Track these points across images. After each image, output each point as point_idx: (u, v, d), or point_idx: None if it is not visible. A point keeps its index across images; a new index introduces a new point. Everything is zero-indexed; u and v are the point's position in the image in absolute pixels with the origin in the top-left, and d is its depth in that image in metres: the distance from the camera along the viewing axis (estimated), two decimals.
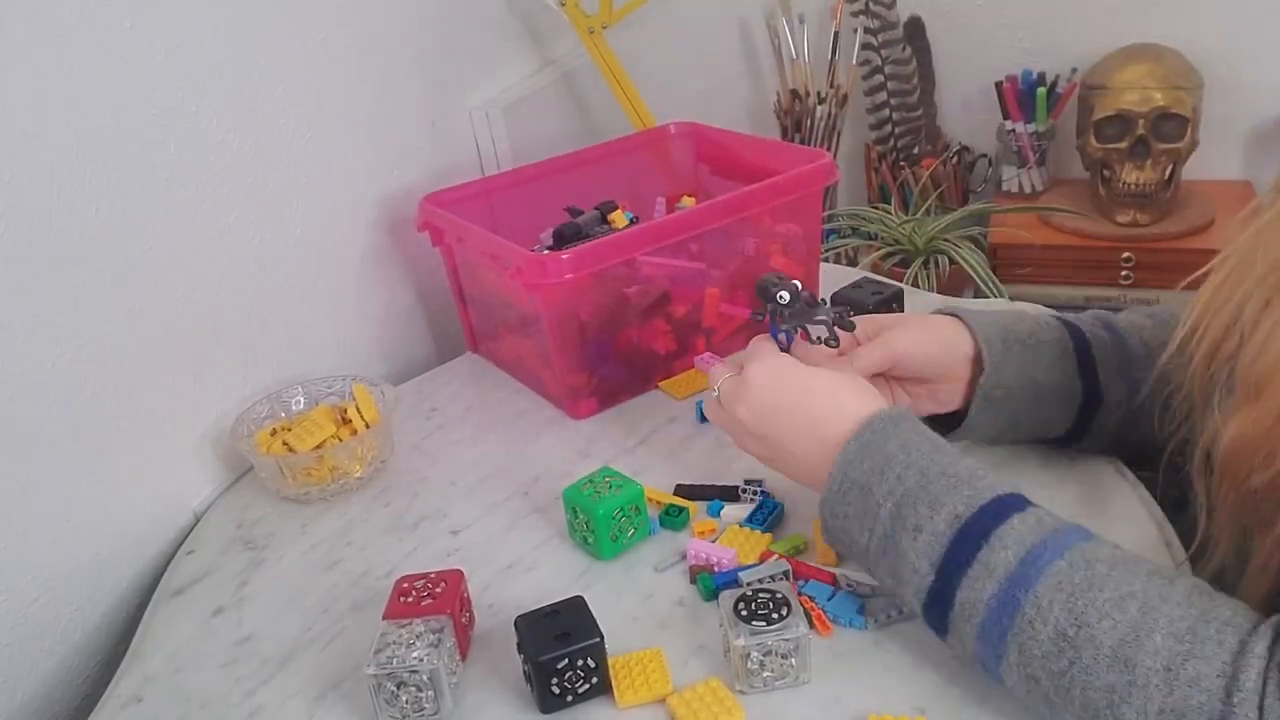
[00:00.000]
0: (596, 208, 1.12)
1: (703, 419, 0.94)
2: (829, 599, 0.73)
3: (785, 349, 0.78)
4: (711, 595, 0.74)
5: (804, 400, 0.71)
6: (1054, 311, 0.87)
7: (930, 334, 0.79)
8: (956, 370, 0.79)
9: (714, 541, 0.80)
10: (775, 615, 0.66)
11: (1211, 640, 0.55)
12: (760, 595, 0.68)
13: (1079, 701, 0.57)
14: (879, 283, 0.99)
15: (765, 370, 0.73)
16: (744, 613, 0.67)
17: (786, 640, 0.65)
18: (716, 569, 0.77)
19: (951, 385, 0.80)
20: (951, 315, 0.81)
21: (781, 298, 0.76)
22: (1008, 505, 0.63)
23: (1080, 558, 0.59)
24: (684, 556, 0.79)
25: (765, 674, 0.66)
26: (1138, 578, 0.58)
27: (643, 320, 1.02)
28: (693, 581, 0.77)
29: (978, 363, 0.78)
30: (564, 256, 0.93)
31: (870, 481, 0.66)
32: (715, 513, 0.84)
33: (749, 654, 0.65)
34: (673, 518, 0.83)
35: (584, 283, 0.96)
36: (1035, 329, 0.81)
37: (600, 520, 0.79)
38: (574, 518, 0.81)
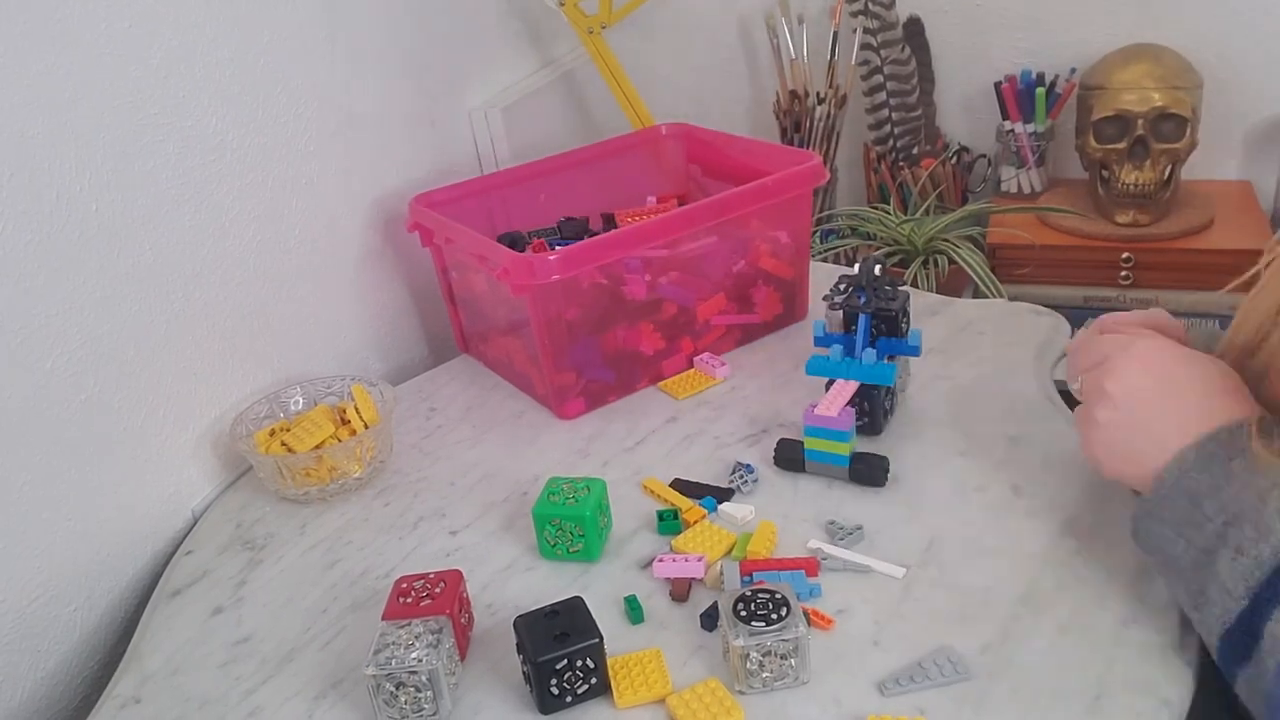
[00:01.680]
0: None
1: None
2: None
3: (867, 325, 0.87)
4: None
5: (1174, 390, 0.68)
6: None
7: None
8: None
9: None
10: (774, 616, 0.66)
11: None
12: (759, 595, 0.68)
13: None
14: (888, 283, 0.95)
15: (1148, 350, 0.70)
16: (743, 613, 0.66)
17: (785, 640, 0.65)
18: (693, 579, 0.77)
19: None
20: None
21: (878, 269, 0.87)
22: None
23: None
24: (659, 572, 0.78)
25: (764, 674, 0.66)
26: None
27: (630, 321, 1.02)
28: (675, 598, 0.76)
29: None
30: (550, 257, 0.93)
31: (1202, 493, 0.63)
32: (710, 506, 0.84)
33: (748, 654, 0.65)
34: (667, 522, 0.83)
35: (571, 284, 0.96)
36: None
37: (589, 521, 0.78)
38: (554, 532, 0.80)
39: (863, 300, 0.88)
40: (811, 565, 0.76)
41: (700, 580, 0.77)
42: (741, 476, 0.86)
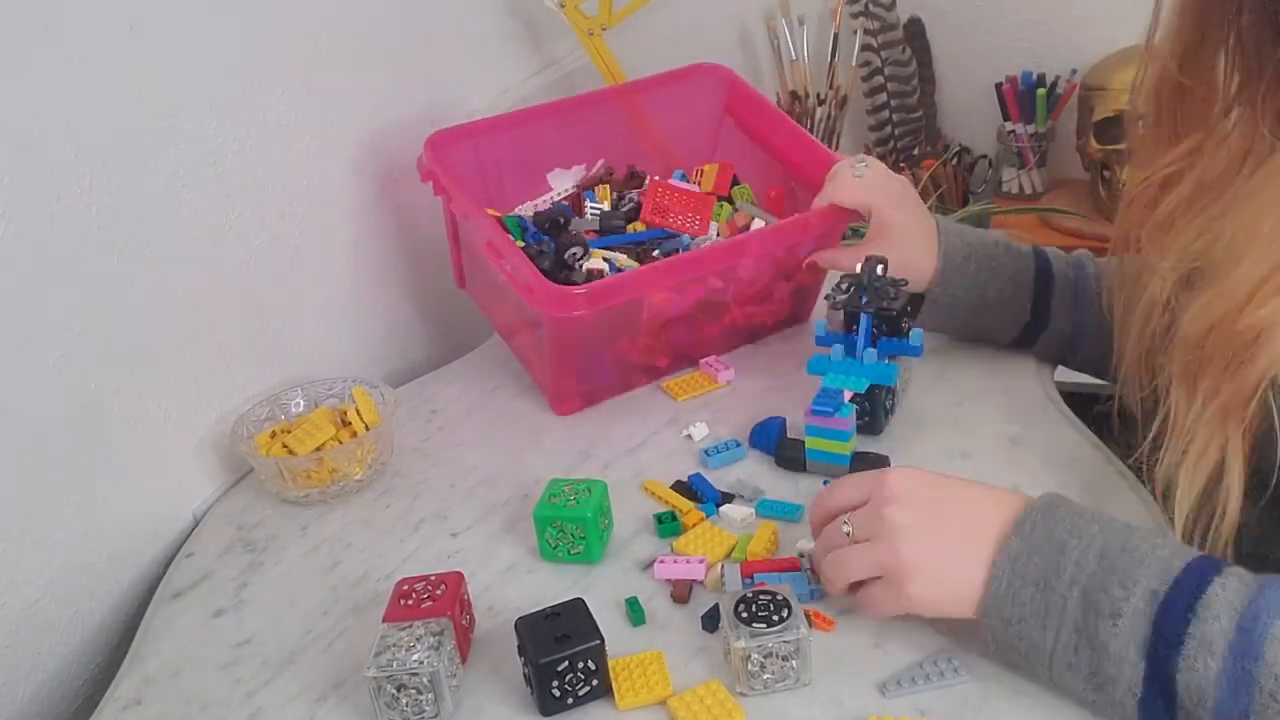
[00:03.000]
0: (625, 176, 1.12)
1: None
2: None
3: (868, 324, 0.89)
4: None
5: (958, 498, 0.66)
6: (1040, 247, 0.99)
7: (906, 253, 0.93)
8: (923, 278, 0.94)
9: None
10: (776, 617, 0.66)
11: None
12: (761, 597, 0.67)
13: None
14: (891, 283, 0.93)
15: (907, 470, 0.68)
16: (744, 615, 0.66)
17: (787, 642, 0.65)
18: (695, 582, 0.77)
19: (919, 284, 0.94)
20: (935, 226, 0.95)
21: (880, 270, 0.89)
22: (1203, 570, 0.58)
23: None
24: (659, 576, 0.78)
25: (766, 676, 0.66)
26: None
27: (645, 332, 1.01)
28: (676, 599, 0.76)
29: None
30: (578, 292, 0.88)
31: (1047, 575, 0.60)
32: (711, 513, 0.84)
33: (749, 656, 0.65)
34: (666, 525, 0.82)
35: (596, 316, 0.91)
36: (1002, 254, 0.96)
37: (591, 522, 0.78)
38: (556, 534, 0.80)
39: (864, 300, 0.88)
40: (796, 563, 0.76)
41: (701, 582, 0.77)
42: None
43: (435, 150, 1.04)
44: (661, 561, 0.78)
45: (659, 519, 0.83)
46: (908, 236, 0.94)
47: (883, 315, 0.89)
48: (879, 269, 0.89)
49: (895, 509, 0.65)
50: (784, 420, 0.92)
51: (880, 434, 0.91)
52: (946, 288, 0.94)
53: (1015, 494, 0.66)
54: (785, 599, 0.67)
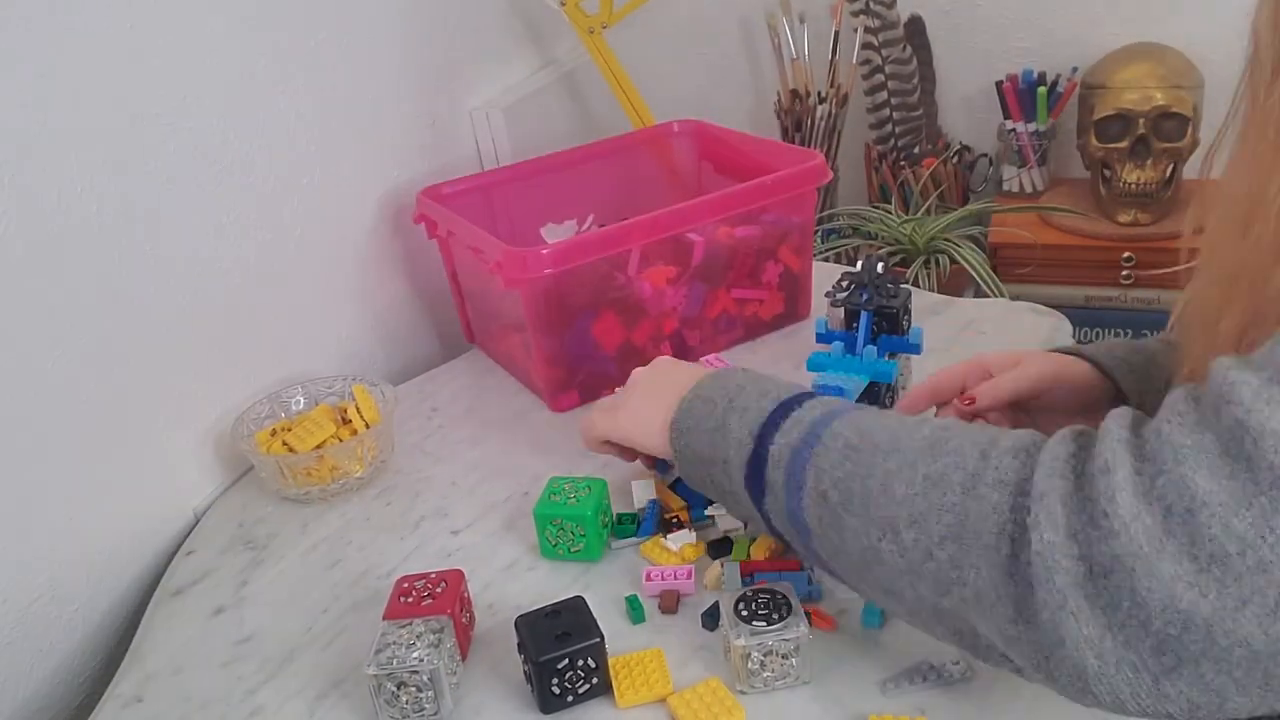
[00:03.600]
0: None
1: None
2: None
3: (868, 323, 0.89)
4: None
5: (670, 366, 0.80)
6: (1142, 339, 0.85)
7: (1059, 368, 0.78)
8: (1092, 398, 0.78)
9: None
10: (775, 615, 0.66)
11: (975, 429, 0.58)
12: (760, 595, 0.68)
13: (859, 497, 0.59)
14: (889, 281, 0.93)
15: (669, 357, 0.82)
16: (744, 613, 0.66)
17: (787, 640, 0.65)
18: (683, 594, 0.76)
19: (1089, 407, 0.78)
20: (1071, 354, 0.81)
21: (880, 268, 0.88)
22: (825, 395, 0.69)
23: (874, 410, 0.66)
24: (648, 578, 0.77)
25: (766, 674, 0.66)
26: (921, 417, 0.63)
27: (630, 316, 1.02)
28: (664, 610, 0.75)
29: (1111, 384, 0.78)
30: (544, 251, 0.93)
31: (713, 394, 0.71)
32: (700, 516, 0.83)
33: (749, 654, 0.65)
34: (624, 525, 0.82)
35: (566, 277, 0.96)
36: (1151, 354, 0.80)
37: (591, 520, 0.78)
38: (556, 531, 0.80)
39: (865, 298, 0.88)
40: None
41: (688, 595, 0.76)
42: None
43: (429, 203, 1.08)
44: (650, 578, 0.77)
45: (618, 518, 0.83)
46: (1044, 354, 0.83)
47: (883, 313, 0.89)
48: (879, 266, 0.89)
49: (638, 372, 0.80)
50: None
51: None
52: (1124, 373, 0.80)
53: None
54: (785, 597, 0.67)
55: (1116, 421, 0.53)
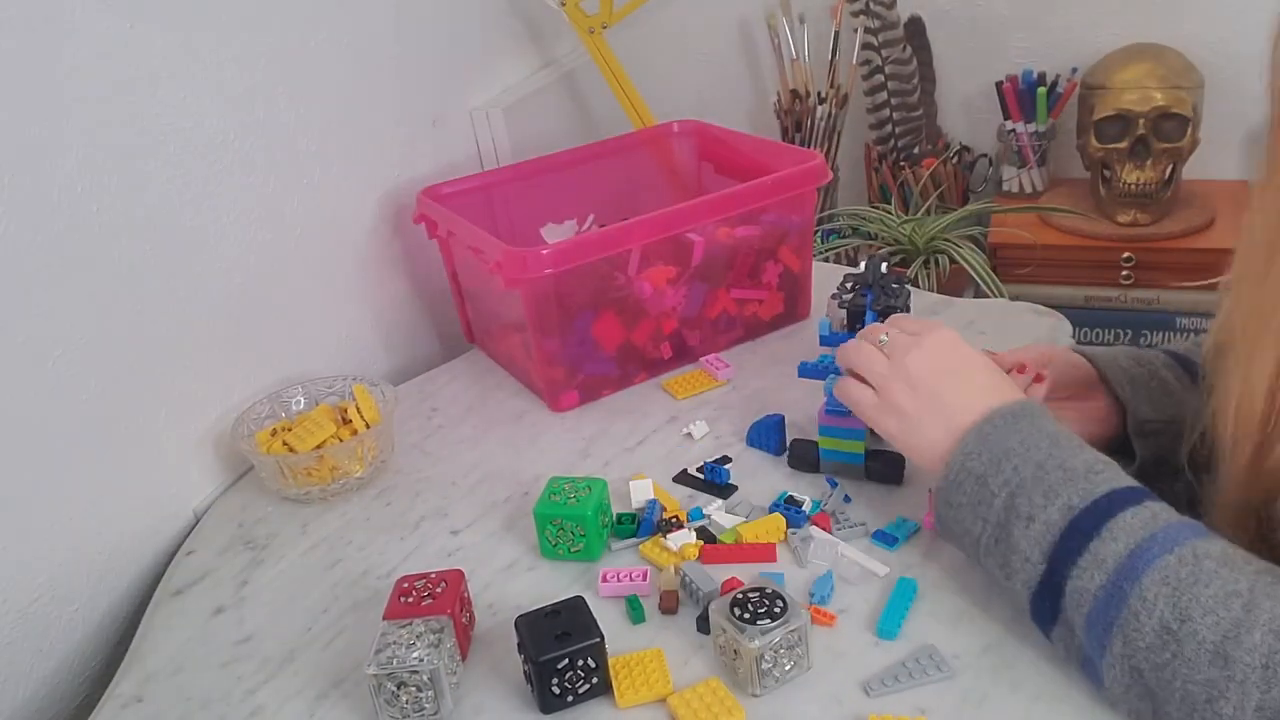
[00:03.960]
0: None
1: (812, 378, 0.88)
2: None
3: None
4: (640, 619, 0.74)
5: (974, 368, 0.73)
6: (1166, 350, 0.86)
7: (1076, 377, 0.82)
8: (1095, 411, 0.82)
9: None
10: (775, 610, 0.66)
11: None
12: (750, 596, 0.67)
13: (1179, 695, 0.57)
14: (892, 281, 0.93)
15: (955, 335, 0.75)
16: (745, 616, 0.66)
17: (793, 630, 0.65)
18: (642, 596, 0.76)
19: (1089, 420, 0.82)
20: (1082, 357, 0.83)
21: (885, 267, 0.86)
22: (1122, 498, 0.63)
23: (1190, 553, 0.59)
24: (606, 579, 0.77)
25: (776, 672, 0.66)
26: (1245, 575, 0.58)
27: (630, 316, 1.02)
28: (664, 610, 0.75)
29: (1114, 400, 0.82)
30: (544, 251, 0.93)
31: (987, 473, 0.67)
32: (696, 517, 0.83)
33: (762, 655, 0.65)
34: (624, 526, 0.82)
35: (566, 277, 0.96)
36: (1151, 368, 0.83)
37: (590, 520, 0.78)
38: (555, 531, 0.80)
39: (870, 298, 0.88)
40: (770, 551, 0.77)
41: (645, 596, 0.76)
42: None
43: (429, 203, 1.08)
44: (605, 579, 0.77)
45: (618, 518, 0.82)
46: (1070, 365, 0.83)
47: (888, 314, 0.89)
48: (882, 266, 0.89)
49: (920, 353, 0.73)
50: (783, 417, 0.91)
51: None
52: (1139, 418, 0.81)
53: (1015, 391, 0.72)
54: (774, 590, 0.67)
55: None
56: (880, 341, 0.76)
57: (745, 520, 0.82)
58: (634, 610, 0.74)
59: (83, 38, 0.80)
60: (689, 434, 0.95)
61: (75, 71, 0.79)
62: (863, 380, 0.76)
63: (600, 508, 0.80)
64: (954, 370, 0.73)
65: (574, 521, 0.79)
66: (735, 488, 0.87)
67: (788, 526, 0.80)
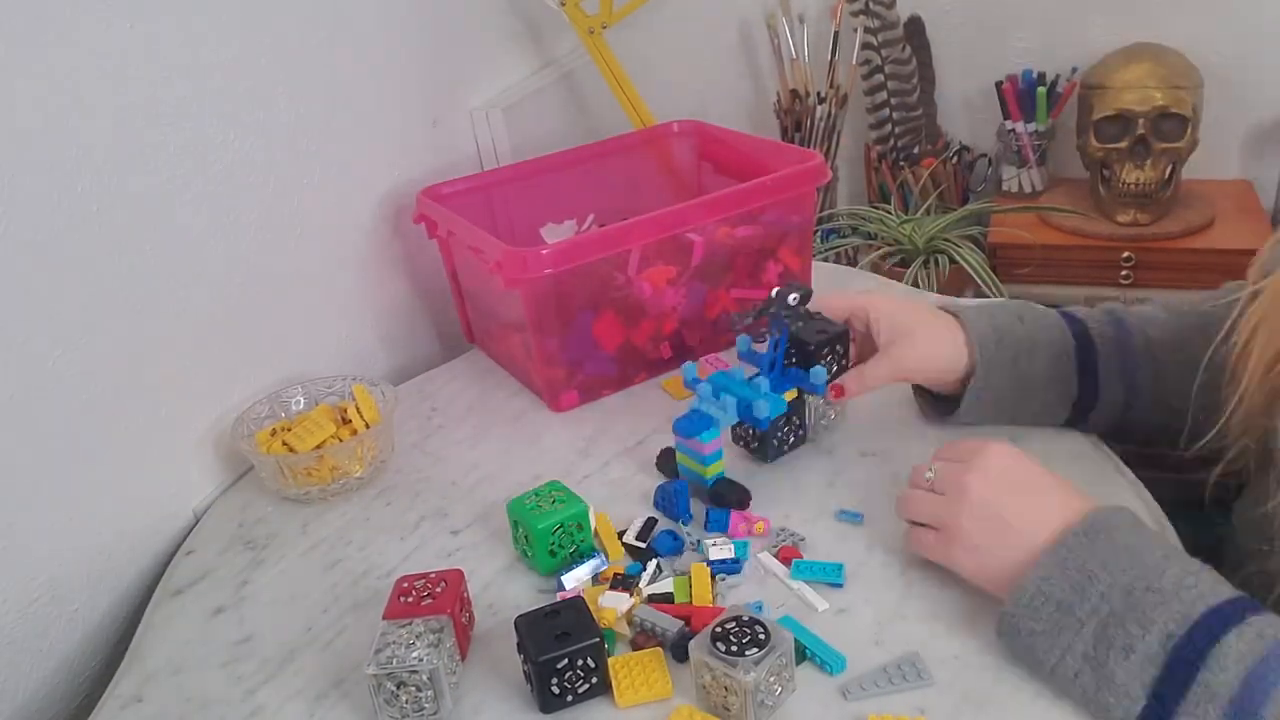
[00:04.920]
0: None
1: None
2: None
3: (774, 353, 0.84)
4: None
5: (1030, 490, 0.69)
6: (1062, 308, 0.89)
7: (935, 349, 0.85)
8: (955, 374, 0.86)
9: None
10: (761, 638, 0.64)
11: None
12: (728, 626, 0.65)
13: None
14: (827, 322, 0.89)
15: (1010, 450, 0.71)
16: (731, 650, 0.63)
17: (780, 655, 0.64)
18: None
19: (951, 381, 0.87)
20: (952, 316, 0.86)
21: (792, 299, 0.82)
22: (1223, 618, 0.59)
23: None
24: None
25: (770, 700, 0.64)
26: None
27: (630, 316, 1.02)
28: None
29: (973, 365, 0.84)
30: (544, 251, 0.93)
31: (1070, 600, 0.63)
32: (636, 570, 0.78)
33: (759, 685, 0.63)
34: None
35: (566, 277, 0.96)
36: (1034, 330, 0.85)
37: (539, 535, 0.77)
38: (515, 530, 0.80)
39: (769, 325, 0.84)
40: (716, 612, 0.71)
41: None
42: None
43: (429, 203, 1.08)
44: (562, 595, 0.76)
45: (578, 553, 0.79)
46: (930, 330, 0.85)
47: (797, 345, 0.86)
48: (791, 298, 0.83)
49: (975, 478, 0.69)
50: (686, 484, 0.85)
51: (770, 462, 0.88)
52: (986, 379, 0.83)
53: (1085, 501, 0.68)
54: (751, 618, 0.65)
55: None
56: (927, 479, 0.72)
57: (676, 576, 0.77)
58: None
59: (83, 37, 0.80)
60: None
61: (75, 71, 0.79)
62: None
63: (560, 526, 0.78)
64: (1016, 489, 0.69)
65: (525, 529, 0.78)
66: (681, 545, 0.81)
67: (714, 576, 0.77)
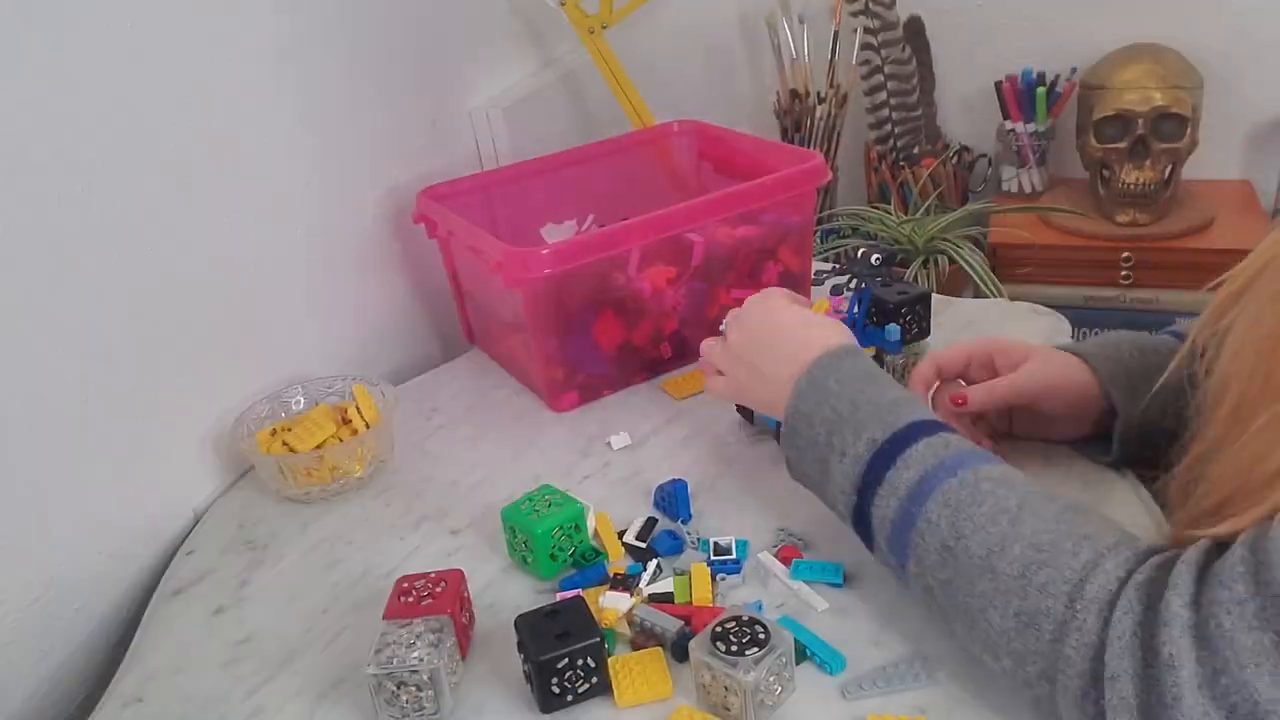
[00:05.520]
0: None
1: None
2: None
3: (856, 312, 0.90)
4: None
5: (782, 332, 0.78)
6: (1171, 332, 0.84)
7: (1057, 379, 0.80)
8: (1087, 411, 0.81)
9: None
10: (761, 637, 0.64)
11: (1066, 551, 0.58)
12: (728, 627, 0.65)
13: (961, 608, 0.62)
14: (907, 284, 0.93)
15: (762, 297, 0.81)
16: (731, 650, 0.63)
17: (780, 655, 0.64)
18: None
19: (1081, 419, 0.82)
20: (1076, 357, 0.81)
21: (875, 259, 0.87)
22: (919, 429, 0.67)
23: (971, 476, 0.63)
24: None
25: (770, 700, 0.64)
26: (1016, 494, 0.62)
27: (630, 317, 1.02)
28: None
29: (1108, 402, 0.79)
30: (544, 251, 0.93)
31: (812, 414, 0.72)
32: (636, 570, 0.77)
33: (759, 685, 0.63)
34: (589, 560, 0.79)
35: (566, 278, 0.96)
36: (1160, 361, 0.77)
37: (540, 539, 0.77)
38: (512, 537, 0.80)
39: (856, 283, 0.90)
40: (715, 612, 0.71)
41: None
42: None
43: (428, 203, 1.08)
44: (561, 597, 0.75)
45: (581, 555, 0.80)
46: (1055, 370, 0.81)
47: (879, 305, 0.89)
48: (874, 258, 0.90)
49: (735, 330, 0.81)
50: (685, 484, 0.85)
51: None
52: (1129, 423, 0.79)
53: (836, 337, 0.76)
54: (751, 618, 0.65)
55: (1178, 594, 0.53)
56: (721, 330, 0.83)
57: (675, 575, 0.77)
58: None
59: (82, 37, 0.80)
60: (609, 444, 0.95)
61: (74, 71, 0.79)
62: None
63: (560, 528, 0.78)
64: (769, 333, 0.78)
65: (525, 535, 0.78)
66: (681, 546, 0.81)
67: (714, 576, 0.76)
